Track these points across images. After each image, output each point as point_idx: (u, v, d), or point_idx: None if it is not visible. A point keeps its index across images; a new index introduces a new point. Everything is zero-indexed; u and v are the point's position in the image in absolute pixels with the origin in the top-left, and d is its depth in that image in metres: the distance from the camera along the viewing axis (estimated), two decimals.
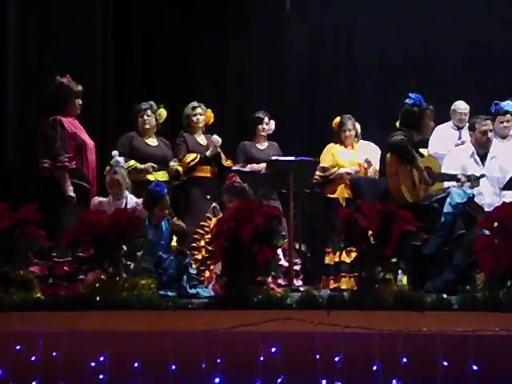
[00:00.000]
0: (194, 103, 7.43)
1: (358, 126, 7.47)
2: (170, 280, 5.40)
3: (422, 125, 5.82)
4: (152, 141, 7.07)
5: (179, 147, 7.26)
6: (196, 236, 6.30)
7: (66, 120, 6.21)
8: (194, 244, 6.28)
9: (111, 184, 6.15)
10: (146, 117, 7.07)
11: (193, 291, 5.40)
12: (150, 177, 6.62)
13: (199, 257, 6.14)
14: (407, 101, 5.85)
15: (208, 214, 6.36)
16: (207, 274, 5.96)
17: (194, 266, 5.78)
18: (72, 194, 6.05)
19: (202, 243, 6.18)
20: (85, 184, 6.21)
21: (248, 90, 9.27)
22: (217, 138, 7.27)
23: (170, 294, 5.24)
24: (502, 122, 6.99)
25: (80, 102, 6.35)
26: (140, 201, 6.06)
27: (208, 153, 7.24)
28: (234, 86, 9.30)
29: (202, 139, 7.40)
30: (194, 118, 7.38)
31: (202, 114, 7.41)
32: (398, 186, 5.58)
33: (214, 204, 6.52)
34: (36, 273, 5.30)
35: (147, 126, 7.08)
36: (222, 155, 7.32)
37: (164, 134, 7.26)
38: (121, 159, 6.30)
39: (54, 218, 5.84)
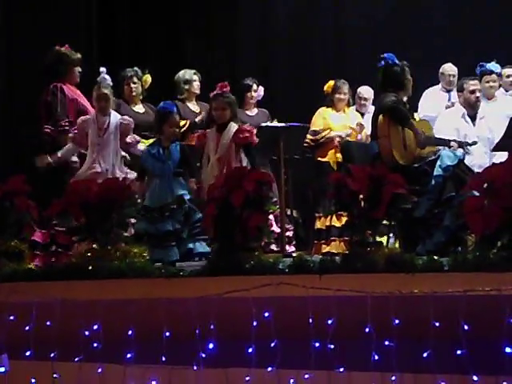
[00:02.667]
0: (190, 70, 7.36)
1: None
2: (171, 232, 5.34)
3: (405, 82, 5.80)
4: (139, 108, 7.01)
5: None
6: None
7: (67, 87, 6.26)
8: None
9: (99, 98, 6.10)
10: (132, 84, 7.01)
11: (190, 246, 5.35)
12: (141, 146, 6.57)
13: None
14: (383, 62, 5.82)
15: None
16: None
17: None
18: (75, 158, 6.05)
19: None
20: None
21: (236, 57, 9.21)
22: (206, 105, 7.22)
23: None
24: (487, 82, 7.06)
25: (79, 69, 6.39)
26: (125, 117, 6.13)
27: (197, 119, 7.19)
28: (223, 52, 9.23)
29: (194, 106, 7.35)
30: (195, 84, 7.31)
31: (199, 81, 7.37)
32: (389, 148, 5.56)
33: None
34: (28, 243, 5.30)
35: (134, 93, 7.02)
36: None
37: (149, 100, 7.21)
38: (107, 77, 6.27)
39: (60, 186, 5.87)
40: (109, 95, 6.11)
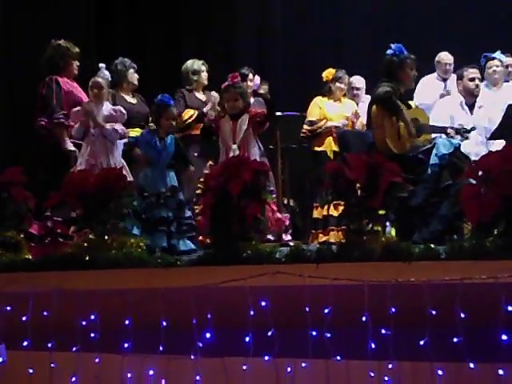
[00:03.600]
0: (199, 61, 7.33)
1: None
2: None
3: (401, 75, 5.76)
4: (132, 98, 7.00)
5: (177, 103, 7.16)
6: (198, 192, 6.29)
7: (63, 80, 6.26)
8: (194, 199, 6.28)
9: (93, 86, 6.08)
10: (136, 75, 7.00)
11: (173, 242, 5.35)
12: (132, 134, 6.55)
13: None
14: (388, 51, 5.81)
15: (206, 171, 6.32)
16: None
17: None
18: (72, 148, 6.07)
19: None
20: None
21: (234, 46, 9.20)
22: (215, 95, 7.21)
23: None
24: (490, 67, 7.00)
25: (77, 63, 6.40)
26: (116, 107, 6.11)
27: (205, 109, 7.16)
28: (220, 41, 9.22)
29: (200, 95, 7.32)
30: (203, 75, 7.28)
31: (206, 72, 7.35)
32: (383, 138, 5.56)
33: (210, 162, 6.49)
34: (25, 234, 5.30)
35: (135, 82, 7.00)
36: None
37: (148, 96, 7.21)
38: (106, 72, 6.27)
39: (59, 178, 5.90)
40: (101, 83, 6.08)
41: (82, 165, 5.85)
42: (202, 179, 6.18)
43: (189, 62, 7.33)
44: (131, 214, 5.14)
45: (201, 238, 5.63)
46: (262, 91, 7.28)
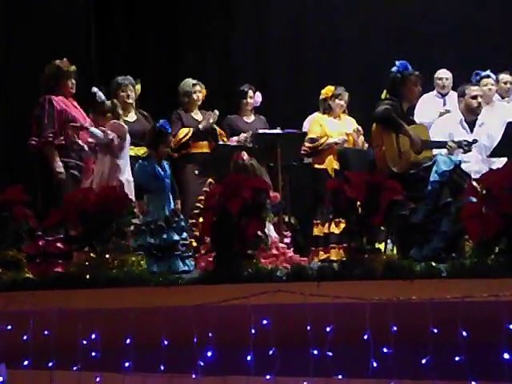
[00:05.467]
0: (192, 80, 7.34)
1: None
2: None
3: (405, 91, 5.78)
4: (131, 116, 6.99)
5: (174, 124, 7.18)
6: (196, 211, 6.28)
7: (57, 98, 6.29)
8: (193, 220, 6.28)
9: (93, 121, 6.12)
10: (129, 92, 7.00)
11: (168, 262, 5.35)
12: (131, 152, 6.56)
13: (198, 233, 6.10)
14: (392, 68, 5.83)
15: (205, 189, 6.32)
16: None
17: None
18: (60, 169, 6.09)
19: (201, 220, 6.14)
20: (77, 162, 6.25)
21: (234, 64, 9.22)
22: (216, 112, 7.22)
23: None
24: (485, 85, 7.07)
25: (73, 81, 6.41)
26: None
27: (200, 126, 7.19)
28: (220, 59, 9.24)
29: (197, 115, 7.35)
30: (195, 96, 7.31)
31: (201, 91, 7.36)
32: (383, 156, 5.57)
33: (209, 180, 6.49)
34: (25, 253, 5.29)
35: (130, 101, 7.01)
36: (219, 131, 7.27)
37: (148, 110, 7.22)
38: (101, 94, 6.25)
39: (49, 197, 5.90)
40: (100, 117, 6.10)
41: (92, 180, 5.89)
42: (200, 197, 6.20)
43: (182, 83, 7.36)
44: (146, 251, 5.14)
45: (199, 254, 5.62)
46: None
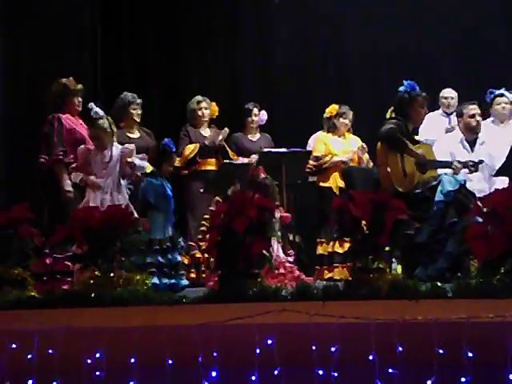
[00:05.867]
0: (199, 97, 7.37)
1: None
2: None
3: (411, 112, 5.79)
4: (134, 133, 7.02)
5: (181, 140, 7.20)
6: (203, 228, 6.29)
7: (65, 117, 6.31)
8: (200, 236, 6.27)
9: (91, 137, 6.11)
10: (139, 110, 7.01)
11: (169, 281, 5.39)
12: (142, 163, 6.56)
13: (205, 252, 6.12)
14: (400, 88, 5.84)
15: (212, 208, 6.33)
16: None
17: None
18: (69, 188, 6.10)
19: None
20: None
21: (239, 82, 9.24)
22: (226, 130, 7.23)
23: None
24: (499, 104, 7.06)
25: (79, 99, 6.42)
26: (128, 146, 6.08)
27: (206, 141, 7.19)
28: (225, 77, 9.26)
29: (205, 132, 7.36)
30: (199, 112, 7.33)
31: (207, 108, 7.37)
32: (388, 175, 5.57)
33: (216, 198, 6.51)
34: (31, 271, 5.29)
35: (137, 119, 7.03)
36: (228, 149, 7.27)
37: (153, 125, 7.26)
38: (98, 109, 6.23)
39: (56, 215, 5.91)
40: (100, 134, 6.02)
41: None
42: (206, 216, 6.21)
43: (191, 101, 7.38)
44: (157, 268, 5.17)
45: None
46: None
